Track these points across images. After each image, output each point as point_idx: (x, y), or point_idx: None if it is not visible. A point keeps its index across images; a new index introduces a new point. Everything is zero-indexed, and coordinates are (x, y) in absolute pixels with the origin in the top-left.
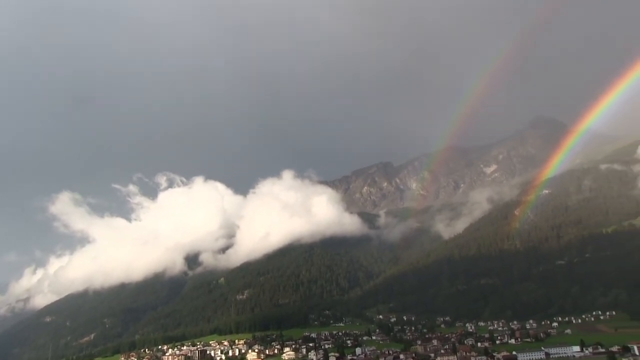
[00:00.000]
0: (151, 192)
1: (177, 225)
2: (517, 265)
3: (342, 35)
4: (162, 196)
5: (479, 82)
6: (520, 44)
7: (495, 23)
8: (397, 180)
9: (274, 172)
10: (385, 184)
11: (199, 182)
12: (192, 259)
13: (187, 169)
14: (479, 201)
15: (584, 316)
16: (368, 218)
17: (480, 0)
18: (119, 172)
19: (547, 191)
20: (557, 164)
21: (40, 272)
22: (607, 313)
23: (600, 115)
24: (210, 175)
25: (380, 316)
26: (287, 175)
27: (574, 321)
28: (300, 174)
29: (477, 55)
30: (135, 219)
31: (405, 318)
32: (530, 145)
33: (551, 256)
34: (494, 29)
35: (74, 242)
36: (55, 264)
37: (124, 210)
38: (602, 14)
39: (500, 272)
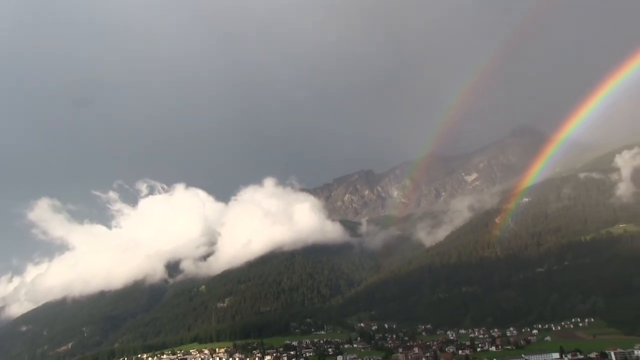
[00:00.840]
0: (132, 199)
1: (158, 232)
2: (497, 273)
3: (326, 46)
4: (143, 203)
5: (460, 91)
6: (502, 55)
7: (478, 34)
8: (379, 188)
9: (256, 179)
10: (367, 191)
11: (180, 189)
12: (172, 267)
13: (168, 176)
14: (460, 209)
15: (563, 323)
16: (350, 226)
17: (462, 12)
18: (99, 179)
19: (527, 199)
20: (537, 172)
21: (17, 280)
22: (586, 320)
23: (579, 125)
24: (191, 182)
25: (362, 324)
26: (269, 182)
27: (553, 328)
28: (282, 181)
29: (459, 66)
30: (115, 226)
31: (386, 326)
32: (511, 153)
33: (531, 264)
34: (476, 40)
35: (52, 249)
36: (32, 272)
37: (104, 217)
38: (580, 27)
39: (481, 280)
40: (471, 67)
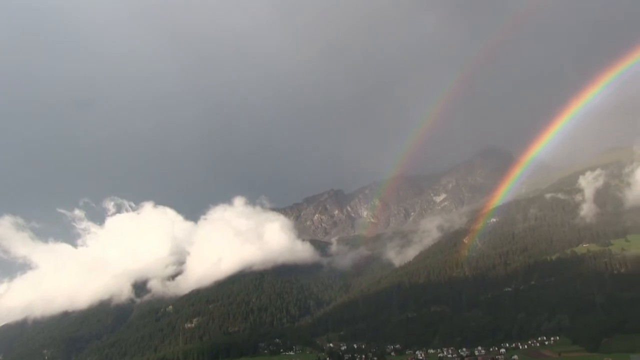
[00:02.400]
0: (98, 217)
1: (125, 251)
2: (465, 293)
3: (297, 67)
4: (110, 221)
5: (429, 113)
6: (470, 77)
7: (446, 57)
8: (349, 208)
9: (226, 198)
10: (337, 211)
11: (148, 208)
12: (140, 286)
13: (136, 194)
14: (429, 229)
15: (530, 342)
16: (320, 245)
17: (430, 35)
18: (64, 196)
19: (495, 219)
20: (504, 193)
21: None
22: (552, 338)
23: (544, 147)
24: (160, 201)
25: (331, 344)
26: (239, 201)
27: (520, 347)
28: (252, 200)
29: (427, 88)
30: (81, 245)
31: (355, 346)
32: (479, 174)
33: (498, 283)
34: (445, 62)
35: (14, 268)
36: None
37: (70, 236)
38: (547, 51)
39: (450, 300)
40: (439, 89)
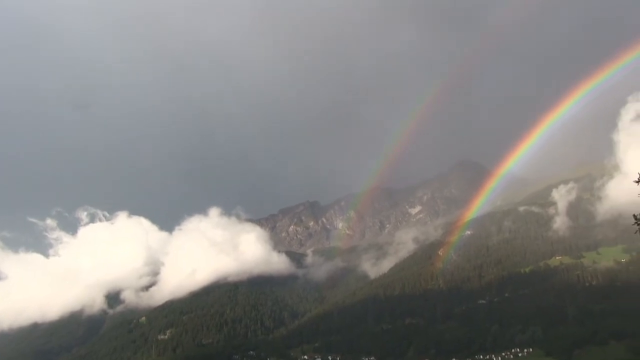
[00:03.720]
0: (71, 227)
1: (99, 261)
2: (440, 305)
3: (275, 79)
4: (83, 231)
5: (405, 126)
6: (445, 90)
7: (422, 70)
8: (324, 220)
9: (201, 209)
10: (312, 223)
11: (122, 218)
12: (113, 297)
13: (110, 204)
14: (405, 241)
15: (503, 353)
16: (295, 257)
17: (408, 49)
18: (36, 206)
19: (469, 232)
20: (479, 205)
21: None
22: (525, 350)
23: (518, 160)
24: (134, 211)
25: (305, 356)
26: (214, 212)
27: (494, 358)
28: (228, 211)
29: (404, 101)
30: (53, 255)
31: (330, 358)
32: (454, 187)
33: (473, 295)
34: (421, 76)
35: None
36: None
37: (41, 246)
38: (522, 66)
39: (424, 312)
40: (415, 102)
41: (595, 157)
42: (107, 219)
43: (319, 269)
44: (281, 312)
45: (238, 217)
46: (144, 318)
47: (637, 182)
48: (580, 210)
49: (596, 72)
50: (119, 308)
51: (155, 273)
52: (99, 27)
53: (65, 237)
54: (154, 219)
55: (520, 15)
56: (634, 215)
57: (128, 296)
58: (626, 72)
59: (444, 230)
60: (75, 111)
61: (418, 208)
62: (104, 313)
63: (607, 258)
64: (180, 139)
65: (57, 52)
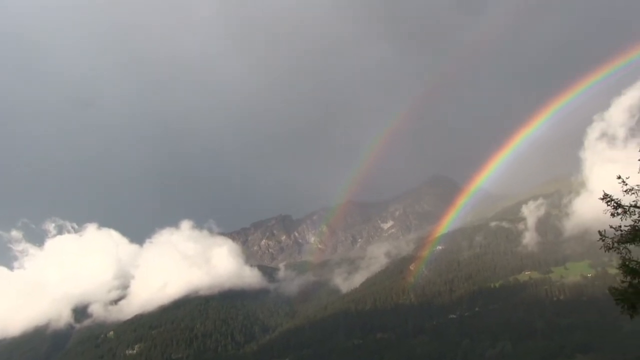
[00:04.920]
0: (38, 239)
1: (66, 274)
2: (411, 319)
3: (250, 93)
4: (50, 243)
5: (377, 141)
6: (418, 107)
7: (395, 87)
8: (296, 234)
9: (172, 221)
10: (284, 237)
11: (91, 229)
12: (80, 311)
13: (78, 215)
14: (377, 255)
15: None
16: (268, 271)
17: (380, 65)
18: (1, 216)
19: (440, 247)
20: (450, 221)
21: None
22: None
23: (489, 176)
24: (104, 223)
25: None
26: (186, 225)
27: None
28: (200, 224)
29: (376, 116)
30: (18, 268)
31: None
32: (426, 202)
33: (444, 310)
34: (394, 92)
35: None
36: None
37: (6, 258)
38: (493, 83)
39: (396, 326)
40: (388, 118)
41: (563, 174)
42: (76, 231)
43: (291, 283)
44: (252, 326)
45: (210, 230)
46: (112, 332)
47: (602, 199)
48: (548, 226)
49: (564, 91)
50: (86, 322)
51: (125, 286)
52: (75, 40)
53: (32, 249)
54: (124, 232)
55: (492, 35)
56: (599, 232)
57: (96, 310)
58: (592, 92)
59: (416, 245)
60: (46, 120)
61: (390, 223)
62: (70, 327)
63: (575, 273)
64: (152, 151)
65: (30, 65)
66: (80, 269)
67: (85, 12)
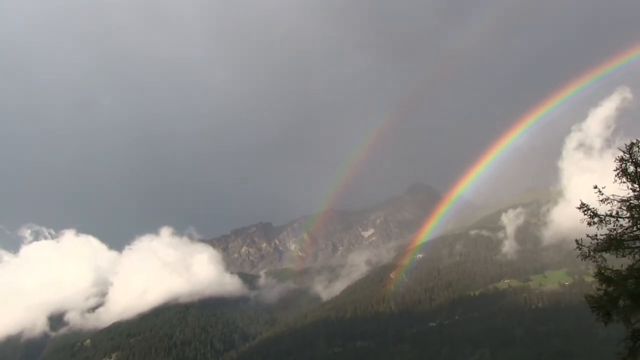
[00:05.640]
0: (13, 245)
1: (42, 282)
2: (391, 327)
3: (232, 100)
4: (26, 250)
5: (359, 149)
6: (399, 116)
7: (377, 95)
8: (277, 241)
9: (152, 228)
10: (265, 244)
11: (69, 236)
12: (56, 319)
13: (56, 221)
14: (357, 263)
15: None
16: (248, 279)
17: (361, 74)
18: None
19: (421, 255)
20: (431, 229)
21: None
22: None
23: (469, 185)
24: (82, 229)
25: None
26: (166, 232)
27: None
28: (180, 231)
29: (358, 124)
30: None
31: None
32: (407, 211)
33: (424, 318)
34: (375, 101)
35: None
36: None
37: None
38: (473, 94)
39: (376, 334)
40: (370, 126)
41: (542, 183)
42: (53, 237)
43: (271, 290)
44: (232, 334)
45: (190, 237)
46: (88, 341)
47: (579, 208)
48: (527, 234)
49: (543, 102)
50: (62, 330)
51: (103, 294)
52: (54, 43)
53: (6, 256)
54: (103, 238)
55: (473, 45)
56: (576, 241)
57: (73, 318)
58: (571, 102)
59: (396, 253)
60: (24, 126)
61: (371, 231)
62: (45, 336)
63: (553, 281)
64: (132, 156)
65: (6, 69)
66: (57, 276)
67: (66, 14)
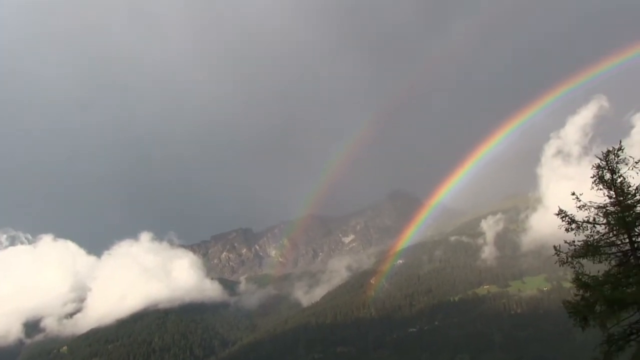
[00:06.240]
0: None
1: (18, 287)
2: (372, 333)
3: (212, 105)
4: (2, 255)
5: (339, 155)
6: (380, 122)
7: (358, 101)
8: (257, 247)
9: (132, 233)
10: (245, 250)
11: (47, 241)
12: (32, 325)
13: (33, 226)
14: (338, 269)
15: None
16: (228, 284)
17: (344, 79)
18: None
19: (401, 261)
20: (411, 235)
21: None
22: None
23: (449, 192)
24: (60, 234)
25: None
26: (146, 237)
27: None
28: (160, 236)
29: (339, 130)
30: None
31: None
32: (387, 217)
33: (404, 324)
34: (357, 107)
35: None
36: None
37: None
38: (453, 100)
39: (356, 340)
40: (350, 132)
41: (521, 189)
42: (30, 242)
43: (251, 296)
44: (211, 340)
45: (170, 242)
46: (65, 347)
47: (557, 215)
48: (506, 240)
49: (523, 110)
50: (38, 337)
51: (82, 299)
52: (38, 43)
53: None
54: (81, 243)
55: (454, 53)
56: (554, 247)
57: (49, 324)
58: (550, 110)
59: (377, 259)
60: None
61: (351, 237)
62: (20, 343)
63: (531, 287)
64: (112, 160)
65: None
66: (33, 281)
67: (46, 14)
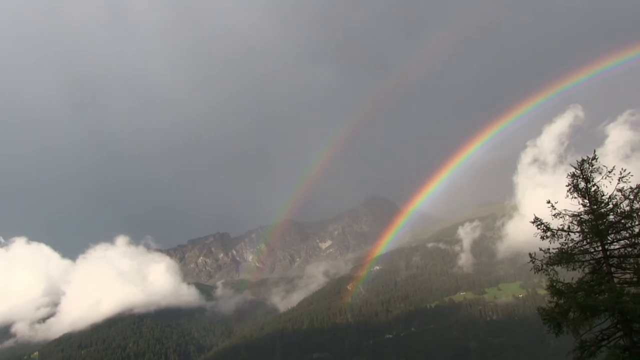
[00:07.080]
0: None
1: None
2: (348, 339)
3: (192, 111)
4: None
5: (317, 162)
6: (357, 129)
7: (336, 109)
8: (234, 252)
9: (107, 237)
10: (222, 255)
11: (20, 244)
12: (2, 331)
13: (5, 228)
14: (315, 275)
15: None
16: (205, 289)
17: (322, 88)
18: None
19: (378, 267)
20: (388, 241)
21: None
22: None
23: (426, 199)
24: (34, 237)
25: None
26: (122, 241)
27: None
28: (136, 240)
29: (317, 137)
30: None
31: None
32: (364, 223)
33: (381, 330)
34: (335, 115)
35: None
36: None
37: None
38: (431, 109)
39: (332, 346)
40: (328, 139)
41: (498, 197)
42: (2, 245)
43: (228, 301)
44: (187, 345)
45: (147, 246)
46: (36, 353)
47: (533, 222)
48: (483, 247)
49: (500, 118)
50: (8, 343)
51: (55, 303)
52: (17, 51)
53: None
54: (56, 246)
55: (432, 61)
56: (530, 254)
57: (20, 329)
58: (527, 119)
59: (354, 265)
60: None
61: (328, 242)
62: None
63: (507, 294)
64: (88, 163)
65: None
66: (5, 285)
67: (19, 13)
